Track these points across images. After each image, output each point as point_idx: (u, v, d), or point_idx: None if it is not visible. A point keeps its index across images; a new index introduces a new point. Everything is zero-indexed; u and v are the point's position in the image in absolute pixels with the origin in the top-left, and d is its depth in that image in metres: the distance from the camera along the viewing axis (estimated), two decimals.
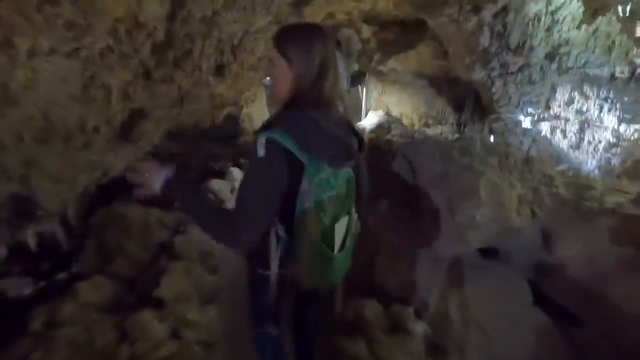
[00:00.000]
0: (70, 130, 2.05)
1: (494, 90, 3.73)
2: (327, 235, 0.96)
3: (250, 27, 3.50)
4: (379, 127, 4.36)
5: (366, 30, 5.71)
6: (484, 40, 3.35)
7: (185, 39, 2.66)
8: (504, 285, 2.07)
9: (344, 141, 0.98)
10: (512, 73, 3.53)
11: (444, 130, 5.10)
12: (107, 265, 2.09)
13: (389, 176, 2.76)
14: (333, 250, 0.98)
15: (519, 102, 3.81)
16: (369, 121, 4.67)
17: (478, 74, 3.68)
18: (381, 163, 2.95)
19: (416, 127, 5.26)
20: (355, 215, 1.06)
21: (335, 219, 0.97)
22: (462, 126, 5.29)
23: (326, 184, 0.93)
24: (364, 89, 4.90)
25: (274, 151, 0.87)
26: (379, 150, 3.45)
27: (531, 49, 3.37)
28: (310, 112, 0.93)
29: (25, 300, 1.84)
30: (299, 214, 0.93)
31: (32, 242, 2.09)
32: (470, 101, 5.06)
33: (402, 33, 5.31)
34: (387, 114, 4.71)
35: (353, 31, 7.16)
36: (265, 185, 0.90)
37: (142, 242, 2.33)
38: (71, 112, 1.99)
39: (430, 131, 5.37)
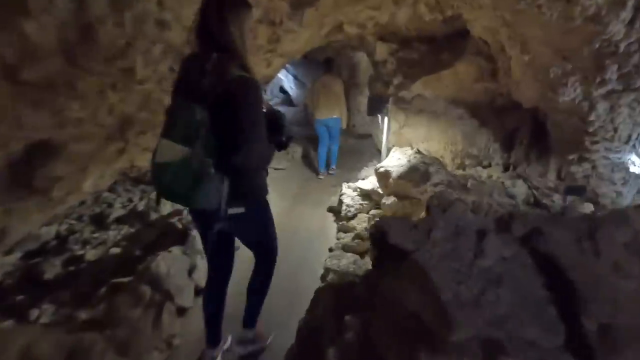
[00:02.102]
0: None
1: (592, 117, 2.46)
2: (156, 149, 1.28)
3: None
4: (412, 172, 3.03)
5: (382, 50, 4.59)
6: (614, 28, 2.01)
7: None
8: None
9: (191, 81, 1.29)
10: (632, 90, 2.27)
11: (493, 175, 3.78)
12: None
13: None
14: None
15: (629, 136, 2.54)
16: (394, 162, 3.34)
17: (569, 94, 2.42)
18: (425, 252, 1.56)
19: (449, 169, 3.96)
20: (198, 154, 1.18)
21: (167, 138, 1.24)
22: (512, 168, 3.99)
23: (178, 106, 1.28)
24: (385, 118, 3.63)
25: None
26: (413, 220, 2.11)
27: None
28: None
29: None
30: None
31: None
32: (524, 134, 3.80)
33: (430, 50, 4.16)
34: (419, 152, 3.40)
35: (363, 53, 6.09)
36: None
37: None
38: None
39: (471, 172, 4.05)
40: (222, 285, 1.75)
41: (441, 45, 4.06)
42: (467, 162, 4.23)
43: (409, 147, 3.70)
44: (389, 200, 3.20)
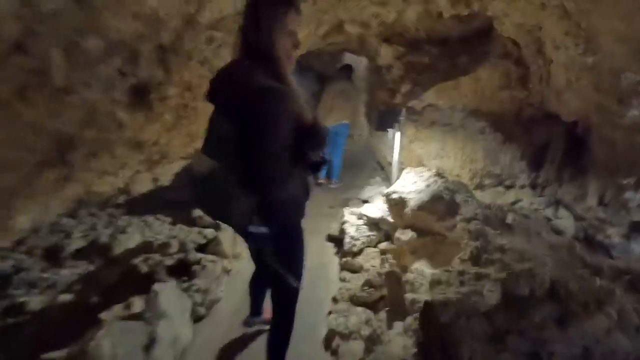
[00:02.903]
0: None
1: None
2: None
3: None
4: (435, 201, 2.44)
5: (387, 53, 4.03)
6: None
7: None
8: None
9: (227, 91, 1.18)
10: None
11: (523, 198, 3.22)
12: None
13: None
14: None
15: None
16: (409, 186, 2.75)
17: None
18: None
19: (432, 171, 3.37)
20: (225, 168, 1.13)
21: None
22: (541, 188, 3.44)
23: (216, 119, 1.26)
24: (397, 133, 3.04)
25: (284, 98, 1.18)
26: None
27: None
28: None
29: None
30: None
31: None
32: (556, 151, 3.26)
33: (444, 54, 3.61)
34: (439, 174, 2.81)
35: (360, 58, 5.54)
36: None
37: None
38: None
39: (489, 196, 3.49)
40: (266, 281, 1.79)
41: (456, 47, 3.51)
42: (486, 181, 3.67)
43: (425, 168, 3.11)
44: (405, 234, 2.60)
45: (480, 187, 3.70)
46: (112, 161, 2.48)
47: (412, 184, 2.84)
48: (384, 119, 2.90)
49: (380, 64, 4.25)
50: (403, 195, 2.68)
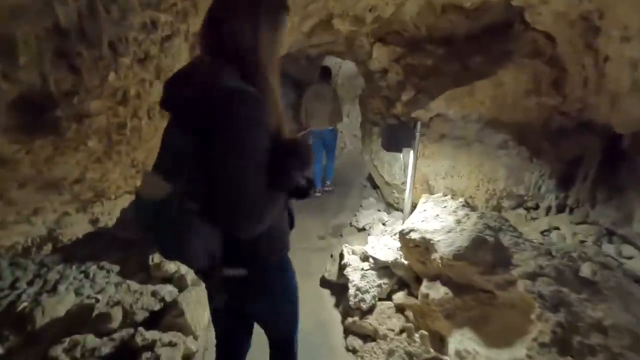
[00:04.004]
0: None
1: None
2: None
3: None
4: (477, 247, 1.80)
5: (381, 55, 3.42)
6: None
7: None
8: None
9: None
10: None
11: (560, 227, 2.65)
12: None
13: None
14: None
15: None
16: (431, 222, 2.11)
17: None
18: None
19: (458, 200, 2.76)
20: (179, 191, 0.84)
21: None
22: (569, 210, 2.92)
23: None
24: (410, 154, 2.36)
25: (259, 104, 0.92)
26: None
27: None
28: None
29: None
30: None
31: None
32: (590, 167, 2.74)
33: (451, 54, 3.04)
34: (467, 204, 2.19)
35: (339, 62, 4.92)
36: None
37: None
38: None
39: (512, 218, 2.92)
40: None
41: (466, 46, 2.95)
42: (505, 203, 3.10)
43: (445, 194, 2.48)
44: (434, 290, 1.94)
45: (496, 209, 3.13)
46: (10, 209, 1.68)
47: (434, 218, 2.19)
48: (394, 136, 2.24)
49: (373, 68, 3.63)
50: (427, 236, 2.02)
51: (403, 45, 3.31)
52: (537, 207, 3.07)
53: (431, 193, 3.22)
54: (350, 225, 3.89)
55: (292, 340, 1.27)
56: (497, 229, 1.93)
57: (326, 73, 4.48)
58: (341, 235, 3.74)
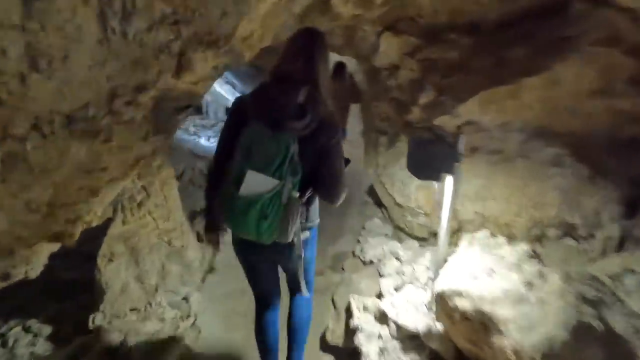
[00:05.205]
0: None
1: None
2: (241, 179, 1.16)
3: None
4: (578, 339, 1.12)
5: (390, 47, 2.75)
6: None
7: None
8: None
9: (280, 111, 1.20)
10: None
11: (634, 268, 2.01)
12: None
13: None
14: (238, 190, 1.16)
15: None
16: (484, 281, 1.44)
17: None
18: None
19: (520, 245, 2.05)
20: (289, 187, 1.16)
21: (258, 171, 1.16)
22: (634, 243, 2.28)
23: (258, 134, 1.18)
24: (448, 181, 1.64)
25: (232, 107, 1.35)
26: None
27: None
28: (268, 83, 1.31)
29: None
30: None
31: None
32: None
33: (481, 45, 2.38)
34: (535, 254, 1.52)
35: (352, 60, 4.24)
36: (222, 131, 1.38)
37: None
38: None
39: (557, 256, 2.28)
40: (275, 312, 1.65)
41: (503, 34, 2.30)
42: (550, 232, 2.46)
43: (494, 235, 1.82)
44: None
45: (537, 239, 2.48)
46: None
47: (488, 275, 1.51)
48: (429, 157, 1.52)
49: (379, 64, 2.95)
50: (485, 308, 1.34)
51: (419, 34, 2.63)
52: (589, 237, 2.44)
53: (456, 218, 2.55)
54: (354, 255, 3.19)
55: (310, 282, 1.56)
56: (598, 301, 1.26)
57: (341, 70, 4.01)
58: (343, 269, 3.05)
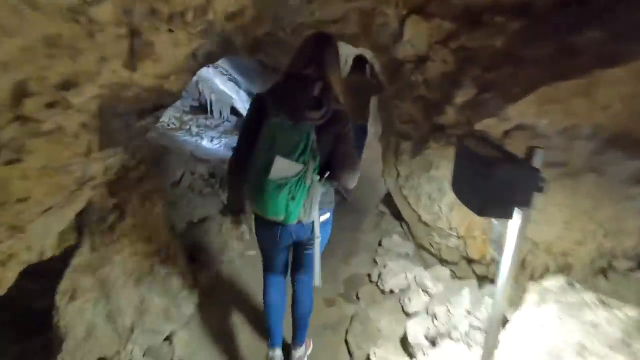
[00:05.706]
0: None
1: None
2: (269, 166, 1.30)
3: None
4: None
5: (417, 34, 2.27)
6: None
7: None
8: None
9: (298, 103, 1.33)
10: None
11: None
12: None
13: None
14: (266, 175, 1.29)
15: None
16: None
17: None
18: None
19: (624, 310, 1.59)
20: (312, 171, 1.31)
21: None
22: None
23: (279, 125, 1.32)
24: (517, 217, 1.15)
25: (252, 103, 1.45)
26: None
27: None
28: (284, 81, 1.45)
29: None
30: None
31: None
32: None
33: (535, 30, 1.88)
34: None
35: (368, 52, 3.75)
36: (242, 126, 1.49)
37: None
38: None
39: (627, 290, 1.78)
40: (281, 279, 1.79)
41: (561, 17, 1.80)
42: (617, 263, 1.95)
43: (571, 283, 1.34)
44: None
45: (600, 271, 1.98)
46: None
47: (577, 353, 1.04)
48: (492, 184, 1.02)
49: (402, 56, 2.47)
50: None
51: (453, 18, 2.15)
52: None
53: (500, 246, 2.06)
54: (370, 280, 2.73)
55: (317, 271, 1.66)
56: None
57: (361, 64, 3.77)
58: (357, 298, 2.58)
